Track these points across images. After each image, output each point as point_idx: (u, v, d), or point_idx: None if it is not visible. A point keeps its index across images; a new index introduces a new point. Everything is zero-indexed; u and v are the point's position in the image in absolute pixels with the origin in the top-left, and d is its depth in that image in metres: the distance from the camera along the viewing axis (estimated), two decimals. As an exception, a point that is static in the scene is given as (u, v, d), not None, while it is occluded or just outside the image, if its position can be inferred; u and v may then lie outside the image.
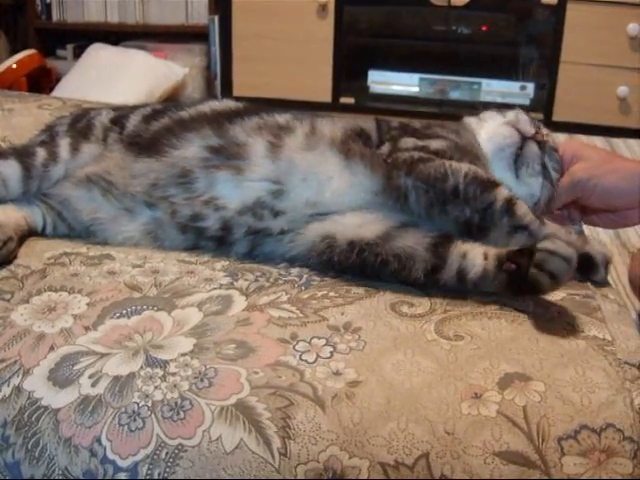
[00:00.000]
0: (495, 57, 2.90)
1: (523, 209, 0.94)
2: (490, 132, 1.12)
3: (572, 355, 0.84)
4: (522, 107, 2.96)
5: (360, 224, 1.00)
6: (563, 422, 0.75)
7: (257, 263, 1.03)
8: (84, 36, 2.99)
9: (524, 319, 0.90)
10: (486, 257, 0.95)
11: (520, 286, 0.92)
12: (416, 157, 1.00)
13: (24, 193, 1.13)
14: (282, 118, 1.11)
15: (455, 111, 2.90)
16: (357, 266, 0.98)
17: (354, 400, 0.77)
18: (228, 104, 1.19)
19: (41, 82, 2.82)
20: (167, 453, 0.76)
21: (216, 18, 2.88)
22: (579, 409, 0.77)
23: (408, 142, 1.05)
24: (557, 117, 2.87)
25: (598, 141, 2.27)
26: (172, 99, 2.92)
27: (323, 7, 2.85)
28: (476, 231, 0.96)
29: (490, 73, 2.87)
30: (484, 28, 2.92)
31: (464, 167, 0.98)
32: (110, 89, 2.64)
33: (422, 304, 0.93)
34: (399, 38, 2.97)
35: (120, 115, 1.20)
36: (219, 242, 1.06)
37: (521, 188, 1.07)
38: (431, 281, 0.95)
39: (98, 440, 0.77)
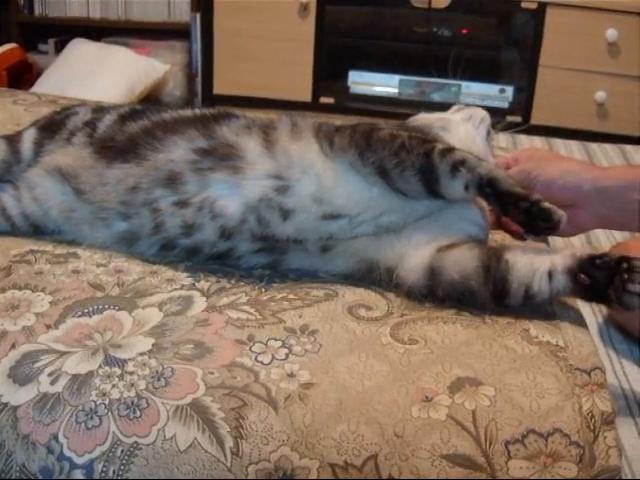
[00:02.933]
0: (475, 60, 2.91)
1: (460, 152, 0.97)
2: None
3: (524, 360, 0.85)
4: (501, 110, 3.00)
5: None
6: (511, 426, 0.77)
7: (220, 265, 1.03)
8: (66, 31, 2.98)
9: (480, 324, 0.92)
10: (551, 276, 0.93)
11: (599, 299, 0.95)
12: (368, 128, 1.01)
13: None
14: (264, 119, 1.10)
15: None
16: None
17: (306, 402, 0.78)
18: (208, 109, 1.17)
19: (22, 76, 2.81)
20: (122, 451, 0.77)
21: (198, 15, 2.89)
22: (528, 413, 0.78)
23: (364, 123, 1.07)
24: (535, 120, 2.89)
25: (575, 145, 2.29)
26: (153, 96, 2.92)
27: (305, 7, 2.86)
28: (429, 185, 0.97)
29: (469, 75, 2.88)
30: (464, 31, 2.94)
31: (412, 133, 1.01)
32: (90, 85, 2.63)
33: (380, 307, 0.94)
34: (380, 39, 2.98)
35: (95, 117, 1.16)
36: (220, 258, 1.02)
37: None
38: (497, 306, 0.95)
39: (55, 437, 0.78)
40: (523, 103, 2.92)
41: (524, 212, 0.92)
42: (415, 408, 0.78)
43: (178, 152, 1.02)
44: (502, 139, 2.12)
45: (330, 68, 2.99)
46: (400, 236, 1.00)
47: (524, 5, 2.80)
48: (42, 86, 2.67)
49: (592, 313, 1.43)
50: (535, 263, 0.94)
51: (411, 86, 3.02)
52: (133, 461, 0.77)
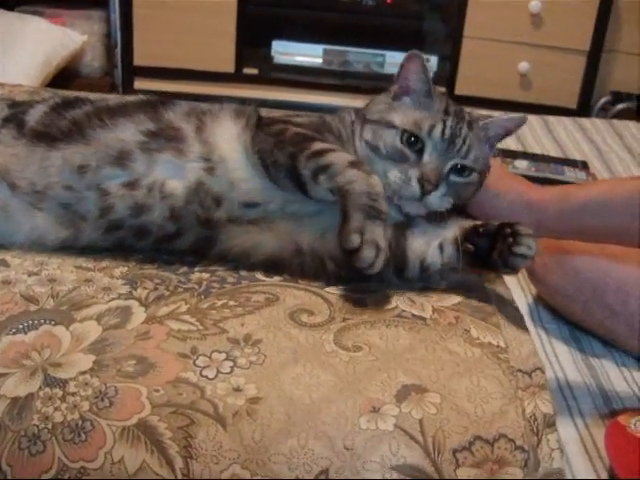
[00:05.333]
0: (399, 29, 2.91)
1: (331, 156, 0.96)
2: None
3: (468, 364, 0.87)
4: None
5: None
6: (458, 434, 0.79)
7: (157, 269, 1.01)
8: (-25, -1, 2.82)
9: (422, 326, 0.93)
10: (442, 248, 1.01)
11: (485, 264, 1.01)
12: (266, 121, 1.06)
13: None
14: (205, 105, 1.11)
15: (359, 83, 2.92)
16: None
17: (255, 417, 0.78)
18: (153, 97, 1.15)
19: None
20: (69, 477, 0.76)
21: (115, -17, 2.78)
22: (473, 420, 0.80)
23: (276, 115, 1.10)
24: (459, 91, 2.91)
25: (498, 115, 2.32)
26: (71, 68, 2.80)
27: (227, -25, 2.79)
28: (300, 186, 0.98)
29: (394, 45, 2.88)
30: (388, 1, 2.92)
31: (303, 130, 1.02)
32: (4, 57, 2.50)
33: (321, 312, 0.94)
34: (304, 8, 2.93)
35: (16, 112, 1.12)
36: (163, 239, 1.04)
37: None
38: (399, 280, 1.03)
39: (-2, 466, 0.76)
40: (447, 73, 2.93)
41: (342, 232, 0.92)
42: (363, 419, 0.79)
43: (128, 132, 1.04)
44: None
45: (253, 38, 2.93)
46: (320, 219, 1.03)
47: (448, -25, 2.81)
48: (-49, 58, 2.53)
49: (522, 294, 1.47)
50: (430, 237, 1.02)
51: (335, 56, 2.99)
52: (81, 487, 0.75)
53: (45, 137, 1.05)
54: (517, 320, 0.99)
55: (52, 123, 1.07)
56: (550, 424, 0.82)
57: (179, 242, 1.04)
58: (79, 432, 0.77)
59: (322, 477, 0.75)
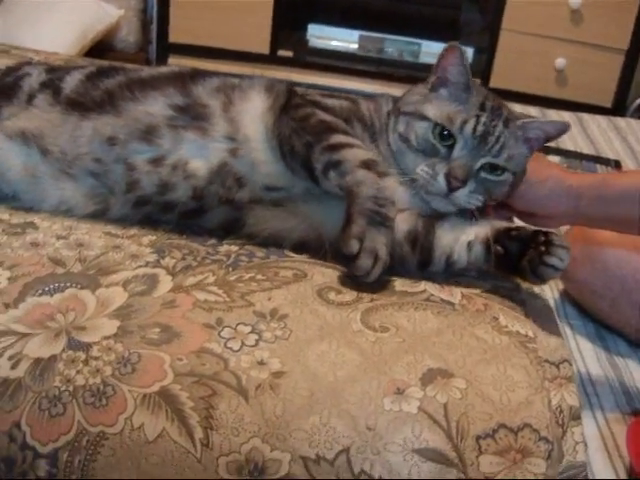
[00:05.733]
0: (437, 19, 2.88)
1: (344, 153, 0.94)
2: None
3: (495, 351, 0.85)
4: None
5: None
6: (482, 420, 0.77)
7: (185, 240, 1.01)
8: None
9: (450, 311, 0.92)
10: (470, 246, 0.97)
11: (513, 270, 0.97)
12: (295, 102, 1.03)
13: None
14: (236, 79, 1.09)
15: (393, 71, 2.89)
16: None
17: (277, 391, 0.77)
18: (185, 68, 1.15)
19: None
20: (88, 440, 0.75)
21: (154, -41, 2.77)
22: (498, 408, 0.79)
23: (308, 95, 1.08)
24: (494, 84, 2.88)
25: (533, 111, 2.30)
26: (106, 42, 2.80)
27: (266, -45, 2.77)
28: (312, 177, 0.97)
29: (431, 34, 2.85)
30: (427, -11, 2.90)
31: (328, 118, 1.00)
32: (39, 30, 2.51)
33: (349, 291, 0.92)
34: (340, -7, 2.93)
35: (53, 77, 1.12)
36: (186, 216, 1.03)
37: None
38: (422, 273, 0.99)
39: (17, 425, 0.76)
40: (483, 65, 2.90)
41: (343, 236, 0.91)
42: (387, 400, 0.78)
43: (156, 106, 1.03)
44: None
45: (289, 20, 2.91)
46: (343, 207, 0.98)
47: (489, -35, 2.77)
48: (-11, 28, 2.54)
49: (549, 289, 1.45)
50: (459, 233, 0.99)
51: (371, 42, 2.96)
52: (99, 451, 0.75)
53: (78, 106, 1.05)
54: (546, 312, 0.97)
55: (86, 92, 1.07)
56: (575, 417, 0.81)
57: (206, 219, 1.03)
58: (100, 396, 0.77)
59: (343, 455, 0.74)
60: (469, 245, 0.97)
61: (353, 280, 0.93)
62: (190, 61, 2.83)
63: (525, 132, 1.01)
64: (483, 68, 2.90)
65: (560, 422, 0.80)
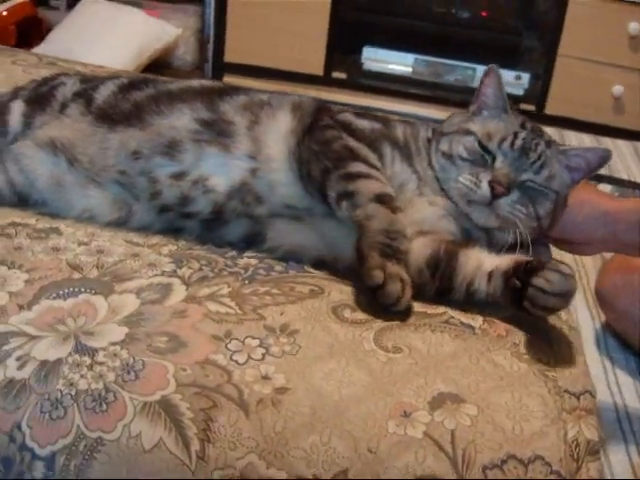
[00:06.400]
0: (492, 43, 2.84)
1: (359, 183, 0.93)
2: None
3: (511, 378, 0.82)
4: (515, 97, 2.95)
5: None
6: (491, 449, 0.74)
7: (206, 251, 1.00)
8: (79, -14, 2.91)
9: (469, 335, 0.88)
10: (490, 277, 0.92)
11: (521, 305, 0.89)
12: (324, 123, 1.02)
13: None
14: (265, 95, 1.09)
15: (448, 95, 2.86)
16: None
17: (279, 407, 0.75)
18: (215, 83, 1.17)
19: (31, 32, 2.75)
20: (85, 445, 0.74)
21: (213, -20, 2.82)
22: (509, 437, 0.75)
23: (340, 115, 1.06)
24: (550, 110, 2.82)
25: (588, 139, 2.25)
26: (163, 60, 2.86)
27: (322, -24, 2.79)
28: (325, 202, 0.96)
29: (486, 59, 2.80)
30: (483, 13, 2.86)
31: (354, 144, 0.99)
32: (99, 45, 2.57)
33: (366, 309, 0.90)
34: (397, 16, 2.90)
35: (86, 87, 1.14)
36: (207, 224, 1.02)
37: None
38: (442, 300, 0.95)
39: (18, 426, 0.76)
40: (538, 91, 2.84)
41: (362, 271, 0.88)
42: (392, 423, 0.75)
43: (182, 120, 1.04)
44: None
45: (344, 42, 2.91)
46: None
47: (547, -11, 2.73)
48: (50, 44, 2.61)
49: (591, 320, 1.41)
50: (482, 262, 0.94)
51: (425, 66, 2.94)
52: (96, 457, 0.74)
53: (108, 119, 1.06)
54: (573, 340, 0.93)
55: (116, 104, 1.08)
56: (593, 452, 0.76)
57: (227, 231, 1.02)
58: (101, 402, 0.76)
59: (340, 477, 0.71)
60: (489, 275, 0.92)
61: (386, 312, 0.88)
62: (244, 80, 2.85)
63: (567, 159, 1.01)
64: (539, 94, 2.84)
65: (575, 456, 0.75)
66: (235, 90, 1.09)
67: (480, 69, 2.88)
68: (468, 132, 1.01)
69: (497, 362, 0.84)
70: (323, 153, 0.97)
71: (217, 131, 1.02)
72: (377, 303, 0.88)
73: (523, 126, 1.02)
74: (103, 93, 1.11)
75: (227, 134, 1.01)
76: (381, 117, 1.09)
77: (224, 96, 1.06)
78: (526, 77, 2.84)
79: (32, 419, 0.76)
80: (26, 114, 1.12)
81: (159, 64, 2.81)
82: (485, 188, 0.96)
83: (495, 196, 0.96)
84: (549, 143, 1.01)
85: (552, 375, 0.83)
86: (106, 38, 2.64)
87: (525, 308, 0.88)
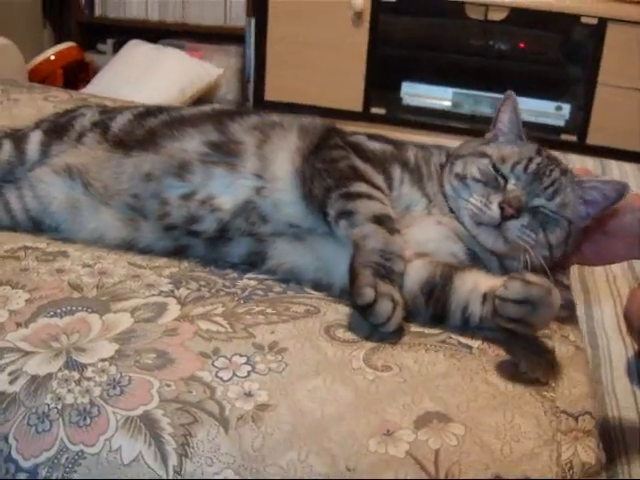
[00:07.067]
0: (531, 75, 2.81)
1: (359, 204, 0.92)
2: None
3: (505, 398, 0.79)
4: (556, 128, 2.89)
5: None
6: (476, 470, 0.71)
7: (207, 272, 1.00)
8: (125, 32, 3.02)
9: (465, 354, 0.86)
10: (485, 298, 0.89)
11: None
12: (333, 142, 1.02)
13: None
14: (277, 117, 1.10)
15: (487, 128, 2.82)
16: None
17: (259, 424, 0.74)
18: (228, 107, 1.19)
19: (78, 75, 2.86)
20: (67, 458, 0.75)
21: (253, 21, 2.88)
22: (497, 458, 0.72)
23: (351, 136, 1.07)
24: (591, 141, 2.77)
25: (630, 168, 2.20)
26: (204, 100, 2.92)
27: (358, 15, 2.82)
28: (325, 218, 0.96)
29: (525, 91, 2.78)
30: (521, 45, 2.84)
31: (360, 164, 0.99)
32: (142, 85, 2.65)
33: (360, 329, 0.88)
34: (434, 50, 2.91)
35: (104, 118, 1.18)
36: (212, 242, 1.03)
37: None
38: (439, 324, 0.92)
39: (5, 438, 0.76)
40: (579, 122, 2.80)
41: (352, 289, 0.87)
42: (373, 441, 0.72)
43: (192, 143, 1.06)
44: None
45: (382, 78, 2.93)
46: None
47: (584, 20, 2.68)
48: (96, 85, 2.71)
49: (624, 349, 1.36)
50: (477, 285, 0.91)
51: (465, 100, 2.93)
52: (76, 470, 0.74)
53: (122, 145, 1.09)
54: (578, 360, 0.89)
55: (131, 131, 1.11)
56: (589, 474, 0.72)
57: (230, 251, 1.03)
58: (85, 416, 0.76)
59: (316, 495, 0.69)
60: (484, 297, 0.89)
61: (377, 333, 0.87)
62: (285, 118, 2.89)
63: (582, 190, 0.99)
64: (580, 125, 2.79)
65: (569, 479, 0.71)
66: (247, 112, 1.11)
67: (519, 101, 2.85)
68: (483, 155, 1.01)
69: (491, 382, 0.81)
70: (327, 171, 0.97)
71: (225, 152, 1.03)
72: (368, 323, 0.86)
73: (539, 153, 1.01)
74: (119, 122, 1.14)
75: (235, 154, 1.03)
76: (395, 140, 1.09)
77: (235, 117, 1.08)
78: (567, 108, 2.80)
79: (19, 432, 0.76)
80: (44, 143, 1.16)
81: (201, 103, 2.87)
82: (495, 209, 0.94)
83: (504, 218, 0.93)
84: (565, 171, 1.00)
85: (550, 395, 0.80)
86: (150, 79, 2.71)
87: (500, 325, 0.85)
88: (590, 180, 1.00)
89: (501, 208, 0.94)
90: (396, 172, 1.02)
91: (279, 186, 1.00)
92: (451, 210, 1.00)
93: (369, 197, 0.94)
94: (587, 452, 0.75)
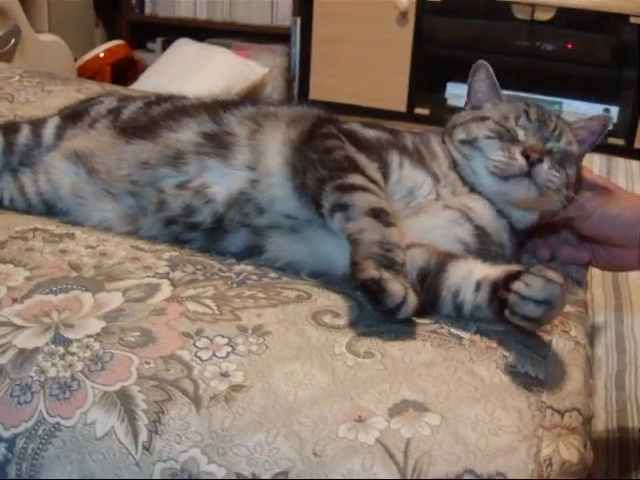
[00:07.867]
0: (579, 76, 2.75)
1: (356, 196, 0.90)
2: None
3: (488, 390, 0.76)
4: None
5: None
6: (447, 462, 0.68)
7: (206, 257, 1.00)
8: (175, 31, 3.07)
9: (454, 345, 0.83)
10: (478, 286, 0.87)
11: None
12: (327, 130, 1.00)
13: (3, 166, 1.15)
14: (275, 108, 1.09)
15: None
16: None
17: (231, 404, 0.73)
18: (227, 97, 1.18)
19: (127, 73, 2.91)
20: (44, 430, 0.75)
21: (298, 20, 2.89)
22: (471, 450, 0.69)
23: (346, 124, 1.05)
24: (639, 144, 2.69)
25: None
26: (251, 98, 2.94)
27: (403, 15, 2.80)
28: (318, 212, 0.94)
29: (572, 93, 2.71)
30: (569, 45, 2.77)
31: (355, 155, 0.96)
32: (188, 83, 2.68)
33: (348, 316, 0.87)
34: (480, 51, 2.84)
35: (119, 105, 1.19)
36: (210, 234, 1.03)
37: None
38: (431, 313, 0.90)
39: (-11, 409, 0.77)
40: (627, 125, 2.71)
41: (357, 287, 0.85)
42: (343, 427, 0.71)
43: (187, 133, 1.05)
44: (597, 161, 1.99)
45: (427, 79, 2.90)
46: None
47: (633, 20, 2.60)
48: (143, 83, 2.76)
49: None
50: (471, 272, 0.89)
51: (510, 101, 2.87)
52: (51, 441, 0.74)
53: (127, 132, 1.10)
54: (576, 356, 0.85)
55: (136, 119, 1.12)
56: (569, 473, 0.69)
57: (229, 242, 1.02)
58: (65, 390, 0.77)
59: (280, 477, 0.68)
60: (478, 285, 0.86)
61: (390, 320, 0.85)
62: (329, 118, 2.89)
63: (573, 132, 1.03)
64: (628, 128, 2.71)
65: (545, 476, 0.69)
66: (244, 103, 1.10)
67: (566, 103, 2.79)
68: (484, 118, 1.02)
69: (476, 373, 0.78)
70: (321, 162, 0.95)
71: (217, 143, 1.03)
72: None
73: (527, 104, 1.04)
74: (130, 109, 1.16)
75: (227, 146, 1.02)
76: (391, 128, 1.07)
77: (231, 108, 1.07)
78: (615, 110, 2.72)
79: (2, 402, 0.77)
80: (59, 127, 1.18)
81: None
82: (520, 158, 0.95)
83: (531, 164, 0.95)
84: (557, 115, 1.05)
85: (537, 389, 0.77)
86: (196, 76, 2.75)
87: (506, 318, 0.81)
88: (576, 122, 1.05)
89: (525, 156, 0.95)
90: (394, 157, 1.00)
91: (272, 179, 0.99)
92: (464, 183, 1.00)
93: (364, 189, 0.92)
94: (569, 450, 0.71)
